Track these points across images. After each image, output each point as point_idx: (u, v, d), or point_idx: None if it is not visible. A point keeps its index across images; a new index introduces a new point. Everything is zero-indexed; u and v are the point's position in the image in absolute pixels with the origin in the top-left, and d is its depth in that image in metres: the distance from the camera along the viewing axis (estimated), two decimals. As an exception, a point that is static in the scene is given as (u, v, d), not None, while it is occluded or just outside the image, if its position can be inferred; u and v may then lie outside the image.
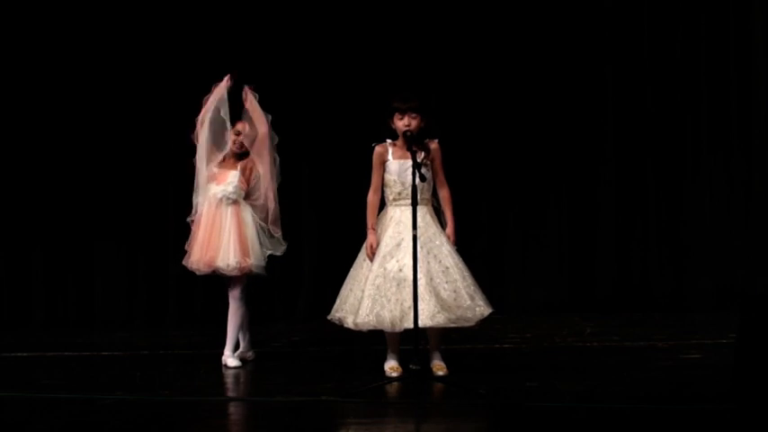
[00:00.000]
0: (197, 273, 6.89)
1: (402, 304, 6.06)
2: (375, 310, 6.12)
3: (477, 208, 8.97)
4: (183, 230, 7.02)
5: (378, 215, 6.42)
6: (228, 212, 6.84)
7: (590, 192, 9.30)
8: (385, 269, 6.18)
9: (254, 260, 6.81)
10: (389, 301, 6.11)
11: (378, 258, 6.24)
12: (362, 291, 6.21)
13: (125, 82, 9.05)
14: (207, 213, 6.86)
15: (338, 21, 9.15)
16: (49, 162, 9.18)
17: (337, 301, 6.40)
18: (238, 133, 6.86)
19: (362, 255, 6.38)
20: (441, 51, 9.07)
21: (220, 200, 6.84)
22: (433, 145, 6.38)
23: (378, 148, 6.41)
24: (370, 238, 6.32)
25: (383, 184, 6.40)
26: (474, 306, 6.17)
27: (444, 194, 6.41)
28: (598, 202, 9.28)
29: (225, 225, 6.81)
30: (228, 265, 6.75)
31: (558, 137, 9.25)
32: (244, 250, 6.79)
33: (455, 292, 6.16)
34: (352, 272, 6.41)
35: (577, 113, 9.16)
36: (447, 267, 6.21)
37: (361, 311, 6.16)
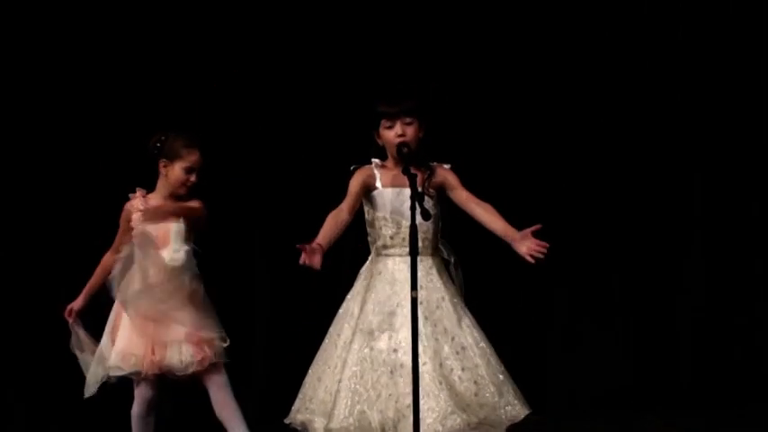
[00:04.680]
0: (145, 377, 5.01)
1: (398, 401, 4.42)
2: (357, 409, 4.45)
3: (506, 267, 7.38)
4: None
5: (361, 269, 4.78)
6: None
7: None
8: (371, 350, 4.52)
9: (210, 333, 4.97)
10: (379, 396, 4.45)
11: (360, 333, 4.58)
12: (338, 381, 4.54)
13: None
14: None
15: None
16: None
17: (299, 397, 4.72)
18: (191, 170, 5.01)
19: (335, 329, 4.72)
20: (430, 54, 7.95)
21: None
22: (443, 171, 4.74)
23: (360, 172, 4.72)
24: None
25: (367, 224, 4.74)
26: (503, 404, 4.54)
27: (487, 206, 4.66)
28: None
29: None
30: (182, 362, 4.93)
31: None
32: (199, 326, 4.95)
33: (476, 383, 4.52)
34: (321, 354, 4.75)
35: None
36: (463, 347, 4.56)
37: (336, 411, 4.48)
